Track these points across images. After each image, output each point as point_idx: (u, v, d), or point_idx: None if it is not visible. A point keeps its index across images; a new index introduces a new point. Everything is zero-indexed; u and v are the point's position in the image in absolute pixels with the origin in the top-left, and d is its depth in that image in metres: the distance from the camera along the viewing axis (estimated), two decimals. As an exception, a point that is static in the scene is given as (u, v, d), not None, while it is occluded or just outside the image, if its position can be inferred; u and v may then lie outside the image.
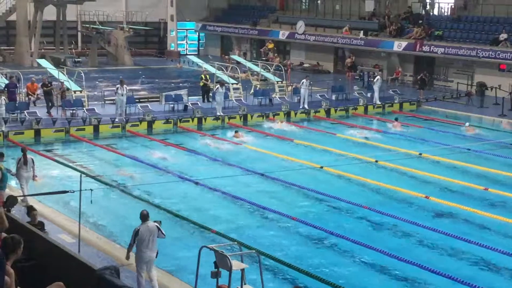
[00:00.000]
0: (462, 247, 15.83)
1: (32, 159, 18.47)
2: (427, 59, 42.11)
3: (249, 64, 42.09)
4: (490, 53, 37.84)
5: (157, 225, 12.64)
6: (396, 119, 31.25)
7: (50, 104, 29.41)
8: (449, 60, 40.73)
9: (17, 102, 28.98)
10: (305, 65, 49.70)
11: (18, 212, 15.16)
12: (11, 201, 14.69)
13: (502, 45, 38.17)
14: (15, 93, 29.57)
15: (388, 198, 20.01)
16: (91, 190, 14.44)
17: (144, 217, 12.70)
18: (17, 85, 30.31)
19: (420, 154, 24.78)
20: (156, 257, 12.66)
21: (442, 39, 41.55)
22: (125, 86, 29.67)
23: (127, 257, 12.78)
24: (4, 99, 26.93)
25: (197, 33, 59.25)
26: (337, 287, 13.00)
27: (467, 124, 30.46)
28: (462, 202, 19.25)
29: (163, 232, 12.68)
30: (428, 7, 45.90)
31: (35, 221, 14.06)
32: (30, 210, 14.64)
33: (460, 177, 22.10)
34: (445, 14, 45.52)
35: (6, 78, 31.83)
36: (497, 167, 23.50)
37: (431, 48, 40.82)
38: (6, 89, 29.19)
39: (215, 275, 10.68)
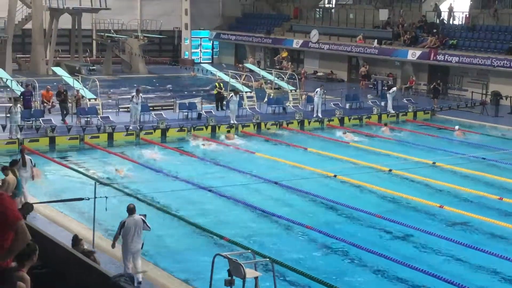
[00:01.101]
0: (476, 256, 15.75)
1: (31, 159, 18.61)
2: (441, 68, 42.00)
3: (263, 73, 42.15)
4: (505, 62, 37.69)
5: (143, 218, 13.40)
6: (386, 124, 32.09)
7: (65, 112, 29.60)
8: (464, 69, 40.59)
9: (32, 109, 29.18)
10: (319, 73, 49.70)
11: (31, 219, 15.24)
12: (27, 207, 14.76)
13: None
14: (31, 100, 29.80)
15: (402, 207, 19.95)
16: (106, 197, 14.51)
17: (130, 210, 13.49)
18: (33, 93, 30.53)
19: (434, 163, 24.70)
20: (141, 248, 13.43)
21: (456, 48, 41.43)
22: (140, 95, 29.82)
23: (113, 246, 13.65)
24: (20, 107, 27.12)
25: (211, 41, 59.41)
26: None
27: (457, 127, 30.73)
28: (476, 211, 19.16)
29: (148, 225, 13.44)
30: (442, 16, 45.77)
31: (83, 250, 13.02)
32: (76, 240, 12.90)
33: (475, 187, 22.00)
34: (460, 23, 45.39)
35: (22, 86, 32.05)
36: (511, 176, 23.38)
37: (446, 57, 40.72)
38: (22, 96, 29.41)
39: (229, 283, 10.69)
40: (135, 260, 13.40)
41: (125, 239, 13.28)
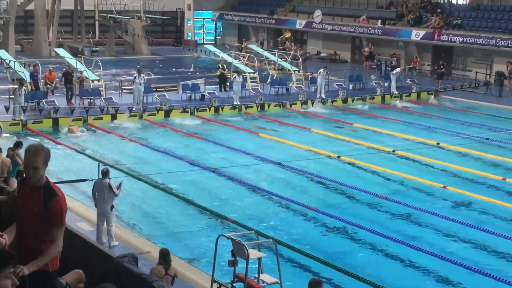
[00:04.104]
0: (479, 236, 15.77)
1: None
2: (445, 48, 41.84)
3: (266, 54, 42.02)
4: (509, 42, 37.54)
5: (110, 182, 14.32)
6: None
7: (70, 93, 29.57)
8: (468, 49, 40.43)
9: (36, 91, 29.18)
10: (322, 54, 49.55)
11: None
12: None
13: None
14: (39, 81, 29.90)
15: (405, 188, 19.95)
16: (109, 178, 14.54)
17: (103, 173, 14.62)
18: (39, 73, 30.59)
19: (438, 143, 24.68)
20: (111, 210, 14.34)
21: (460, 28, 41.23)
22: (142, 75, 29.78)
23: (95, 205, 14.83)
24: (24, 89, 27.07)
25: (214, 22, 59.21)
26: (353, 276, 13.00)
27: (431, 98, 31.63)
28: (479, 191, 19.15)
29: (115, 191, 14.36)
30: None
31: None
32: None
33: (478, 167, 21.99)
34: (464, 2, 45.14)
35: (24, 67, 32.01)
36: (515, 157, 23.38)
37: (450, 37, 40.54)
38: (31, 78, 29.52)
39: (232, 263, 10.72)
40: (108, 223, 14.40)
41: (95, 199, 14.65)
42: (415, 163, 22.62)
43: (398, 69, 36.52)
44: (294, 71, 37.37)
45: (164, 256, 11.36)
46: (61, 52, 37.42)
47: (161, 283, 6.88)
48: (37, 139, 23.48)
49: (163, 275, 10.79)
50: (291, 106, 31.86)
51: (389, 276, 13.64)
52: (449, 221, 16.56)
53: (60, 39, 50.00)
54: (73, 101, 29.31)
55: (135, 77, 29.65)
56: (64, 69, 32.03)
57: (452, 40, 40.43)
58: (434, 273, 13.90)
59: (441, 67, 38.17)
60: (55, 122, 26.73)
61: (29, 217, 5.84)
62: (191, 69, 43.19)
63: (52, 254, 5.81)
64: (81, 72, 31.26)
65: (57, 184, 6.10)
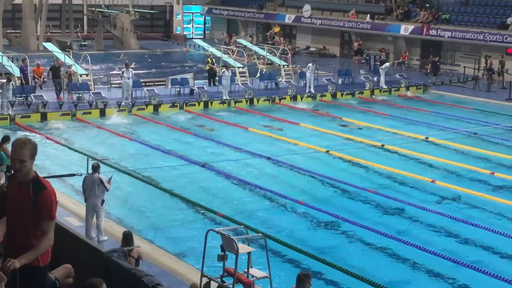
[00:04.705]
0: (467, 231, 15.84)
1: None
2: (434, 43, 41.94)
3: (255, 48, 41.97)
4: (498, 37, 37.68)
5: (101, 177, 14.33)
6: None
7: (58, 88, 29.45)
8: (456, 44, 40.55)
9: (24, 85, 29.07)
10: (311, 49, 49.55)
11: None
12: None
13: (510, 29, 37.97)
14: (28, 75, 29.80)
15: (394, 182, 20.01)
16: (98, 173, 14.50)
17: (93, 168, 14.59)
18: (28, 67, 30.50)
19: (427, 138, 24.77)
20: (101, 205, 14.38)
21: (449, 22, 41.36)
22: (130, 69, 29.70)
23: (84, 200, 14.73)
24: (12, 84, 26.93)
25: (203, 16, 59.07)
26: (342, 270, 13.03)
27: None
28: (468, 186, 19.25)
29: (106, 186, 14.37)
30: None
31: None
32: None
33: (466, 161, 22.09)
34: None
35: (12, 61, 31.85)
36: (503, 151, 23.49)
37: (438, 32, 40.64)
38: (21, 72, 29.41)
39: (222, 258, 10.71)
40: (98, 218, 14.43)
41: (85, 193, 14.57)
42: (404, 157, 22.69)
43: (387, 64, 36.61)
44: (283, 65, 37.36)
45: (127, 238, 11.82)
46: (49, 46, 37.24)
47: (150, 278, 6.88)
48: (26, 133, 23.41)
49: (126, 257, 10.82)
50: (280, 101, 31.87)
51: (378, 269, 13.68)
52: (438, 215, 16.63)
53: (48, 33, 49.70)
54: (61, 95, 29.20)
55: (123, 72, 29.56)
56: (52, 63, 31.88)
57: (441, 35, 40.54)
58: (422, 267, 13.96)
59: (437, 62, 38.21)
60: (44, 116, 26.62)
61: (19, 212, 5.82)
62: (184, 49, 43.04)
63: (43, 248, 5.81)
64: (69, 67, 31.14)
65: (46, 179, 6.09)
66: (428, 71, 38.12)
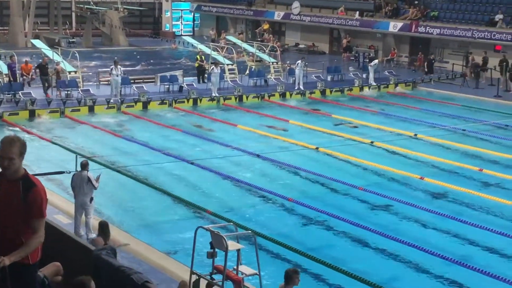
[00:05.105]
0: (456, 227, 15.90)
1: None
2: (422, 40, 42.04)
3: (245, 45, 41.94)
4: (486, 34, 37.80)
5: (89, 175, 14.30)
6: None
7: (46, 85, 29.32)
8: (445, 41, 40.68)
9: (12, 82, 28.93)
10: (300, 46, 49.57)
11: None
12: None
13: (498, 26, 38.14)
14: (16, 72, 29.66)
15: (384, 179, 20.05)
16: (87, 171, 14.45)
17: (82, 166, 14.55)
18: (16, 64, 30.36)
19: (415, 135, 24.84)
20: (90, 202, 14.35)
21: (437, 19, 41.48)
22: (119, 66, 29.61)
23: (74, 197, 14.72)
24: (0, 81, 26.81)
25: (192, 13, 58.97)
26: (332, 267, 13.06)
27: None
28: (456, 182, 19.31)
29: (94, 184, 14.31)
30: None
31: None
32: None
33: (455, 158, 22.15)
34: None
35: (0, 58, 31.70)
36: (492, 148, 23.58)
37: (427, 29, 40.75)
38: (9, 69, 29.27)
39: (211, 255, 10.71)
40: (86, 216, 14.44)
41: (74, 192, 14.55)
42: (393, 154, 22.75)
43: (376, 61, 36.68)
44: (272, 62, 37.37)
45: (103, 228, 12.24)
46: (38, 43, 37.11)
47: (140, 275, 6.86)
48: (15, 130, 23.32)
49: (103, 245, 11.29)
50: (269, 98, 31.88)
51: (367, 266, 13.71)
52: (426, 212, 16.67)
53: (37, 30, 49.52)
54: (50, 92, 29.08)
55: (111, 69, 29.47)
56: (40, 60, 31.75)
57: (429, 32, 40.65)
58: (411, 264, 14.00)
59: (433, 60, 38.19)
60: (32, 114, 26.50)
61: (8, 210, 5.79)
62: (173, 46, 42.87)
63: (33, 245, 5.80)
64: (57, 64, 31.01)
65: (35, 177, 6.06)
66: (426, 69, 37.99)
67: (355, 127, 26.69)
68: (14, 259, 5.58)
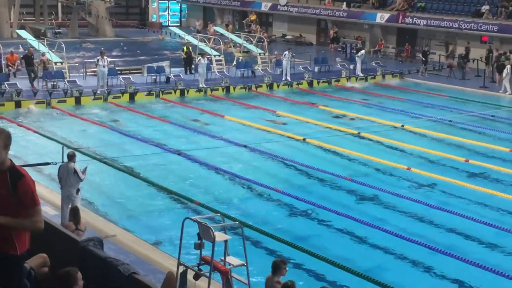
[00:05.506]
0: (442, 217, 15.98)
1: None
2: (409, 31, 42.12)
3: (232, 36, 41.85)
4: (472, 25, 37.93)
5: (75, 167, 14.20)
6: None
7: (33, 76, 29.13)
8: (432, 32, 40.76)
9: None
10: (287, 36, 49.52)
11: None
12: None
13: (484, 17, 38.26)
14: (1, 62, 29.44)
15: (370, 170, 20.11)
16: (74, 162, 14.39)
17: (68, 157, 14.43)
18: (1, 55, 30.12)
19: (402, 125, 24.91)
20: (77, 193, 14.26)
21: (424, 10, 41.56)
22: (105, 57, 29.46)
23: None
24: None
25: (179, 4, 58.73)
26: (319, 257, 13.09)
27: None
28: (443, 173, 19.40)
29: (80, 176, 14.22)
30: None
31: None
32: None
33: (442, 149, 22.26)
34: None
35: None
36: (478, 138, 23.69)
37: (414, 20, 40.83)
38: None
39: (198, 246, 10.69)
40: (73, 206, 14.19)
41: (61, 183, 14.50)
42: (380, 145, 22.81)
43: (362, 51, 36.69)
44: (260, 53, 37.32)
45: (74, 213, 12.72)
46: (23, 33, 36.84)
47: (127, 266, 6.85)
48: (1, 121, 23.18)
49: (74, 230, 11.76)
50: (256, 89, 31.85)
51: (354, 256, 13.76)
52: (413, 202, 16.75)
53: (22, 21, 49.15)
54: (36, 83, 28.90)
55: (98, 60, 29.31)
56: (26, 51, 31.52)
57: (416, 23, 40.74)
58: (398, 254, 14.06)
59: (427, 52, 38.20)
60: (18, 104, 26.34)
61: None
62: (160, 37, 42.57)
63: (26, 225, 5.76)
64: (43, 54, 30.81)
65: (24, 168, 6.02)
66: (423, 59, 37.87)
67: (352, 119, 26.75)
68: (4, 222, 5.58)
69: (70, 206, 14.41)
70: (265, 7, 50.58)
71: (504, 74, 32.14)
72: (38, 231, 5.87)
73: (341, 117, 26.96)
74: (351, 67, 36.30)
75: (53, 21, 52.20)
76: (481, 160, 20.94)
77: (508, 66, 32.42)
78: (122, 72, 32.79)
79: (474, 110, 28.02)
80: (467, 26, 38.07)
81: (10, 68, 30.20)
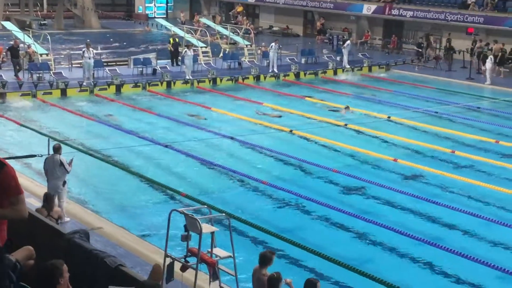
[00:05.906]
0: (429, 208, 16.05)
1: None
2: (396, 22, 42.17)
3: (218, 28, 41.73)
4: (459, 16, 38.03)
5: (61, 159, 14.11)
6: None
7: (18, 67, 28.94)
8: (418, 23, 40.83)
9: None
10: (274, 28, 49.45)
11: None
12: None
13: (470, 8, 38.36)
14: None
15: (357, 161, 20.15)
16: (60, 154, 14.31)
17: (54, 149, 14.37)
18: None
19: (389, 117, 24.96)
20: (63, 186, 14.18)
21: (411, 2, 41.62)
22: (91, 49, 29.30)
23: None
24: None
25: (166, -5, 58.49)
26: (306, 249, 13.11)
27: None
28: (429, 164, 19.47)
29: (67, 168, 14.12)
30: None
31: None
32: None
33: (428, 140, 22.32)
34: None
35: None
36: (464, 130, 23.79)
37: (400, 12, 40.89)
38: None
39: (185, 238, 10.68)
40: (59, 199, 14.15)
41: (46, 174, 14.46)
42: (367, 136, 22.85)
43: (348, 41, 36.69)
44: (246, 45, 37.24)
45: (47, 199, 12.72)
46: (8, 25, 36.58)
47: (113, 259, 6.83)
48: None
49: (46, 216, 11.60)
50: (243, 81, 31.80)
51: (341, 248, 13.80)
52: (400, 194, 16.80)
53: (7, 12, 48.79)
54: (21, 75, 28.70)
55: (83, 51, 29.15)
56: (11, 42, 31.30)
57: (403, 14, 40.80)
58: (385, 245, 14.11)
59: (421, 44, 38.12)
60: (2, 96, 26.17)
61: None
62: (146, 28, 42.27)
63: (8, 213, 5.73)
64: (29, 46, 30.60)
65: (6, 160, 5.98)
66: (419, 50, 37.76)
67: (351, 111, 26.73)
68: None
69: (56, 198, 14.36)
70: (251, -2, 50.48)
71: (487, 65, 32.31)
72: (22, 219, 5.84)
73: (328, 109, 26.98)
74: (338, 58, 36.32)
75: (39, 13, 51.86)
76: (467, 151, 21.03)
77: (491, 57, 32.63)
78: (108, 64, 32.62)
79: (460, 101, 28.12)
80: (453, 17, 38.18)
81: (-5, 60, 30.02)
